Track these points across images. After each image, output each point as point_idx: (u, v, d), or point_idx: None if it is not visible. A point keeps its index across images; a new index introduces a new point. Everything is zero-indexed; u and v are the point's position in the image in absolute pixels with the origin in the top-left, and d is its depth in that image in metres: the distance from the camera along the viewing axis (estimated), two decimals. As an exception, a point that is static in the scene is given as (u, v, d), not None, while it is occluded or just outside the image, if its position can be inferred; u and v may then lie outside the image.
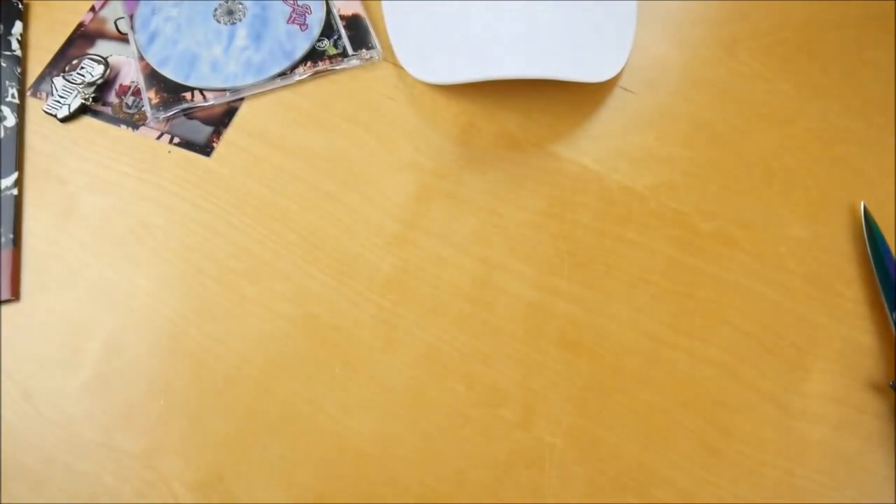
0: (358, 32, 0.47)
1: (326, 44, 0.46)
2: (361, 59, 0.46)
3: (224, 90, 0.45)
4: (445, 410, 0.38)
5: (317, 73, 0.46)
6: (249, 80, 0.45)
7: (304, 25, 0.47)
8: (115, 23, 0.48)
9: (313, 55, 0.46)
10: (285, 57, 0.46)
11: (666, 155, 0.44)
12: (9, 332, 0.40)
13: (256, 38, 0.47)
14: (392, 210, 0.42)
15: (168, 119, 0.45)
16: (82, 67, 0.46)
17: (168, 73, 0.45)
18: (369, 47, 0.47)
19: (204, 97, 0.45)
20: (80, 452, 0.37)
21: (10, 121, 0.44)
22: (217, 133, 0.45)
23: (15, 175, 0.43)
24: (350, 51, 0.46)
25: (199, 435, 0.37)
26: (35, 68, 0.47)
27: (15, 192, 0.43)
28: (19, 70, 0.46)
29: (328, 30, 0.47)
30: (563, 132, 0.45)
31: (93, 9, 0.48)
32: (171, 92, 0.45)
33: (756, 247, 0.41)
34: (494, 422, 0.37)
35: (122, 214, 0.42)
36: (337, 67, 0.46)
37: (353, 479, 0.36)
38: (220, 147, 0.44)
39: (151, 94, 0.45)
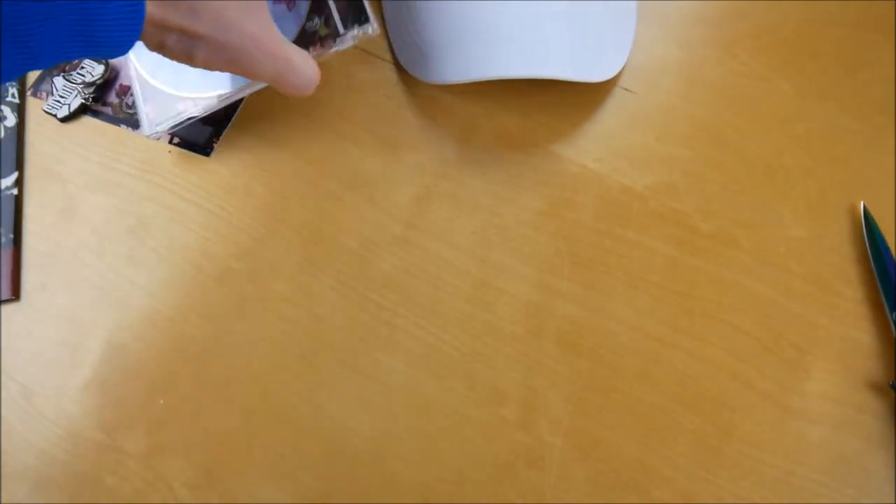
0: (350, 3, 0.42)
1: (317, 23, 0.41)
2: (355, 38, 0.41)
3: (214, 97, 0.42)
4: (445, 410, 0.38)
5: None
6: (240, 83, 0.42)
7: (290, 3, 0.42)
8: (115, 23, 0.48)
9: (303, 39, 0.42)
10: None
11: (666, 155, 0.44)
12: (9, 332, 0.40)
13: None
14: (392, 210, 0.42)
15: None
16: (83, 67, 0.46)
17: (159, 82, 0.43)
18: (362, 22, 0.41)
19: (196, 105, 0.43)
20: (81, 452, 0.37)
21: (11, 120, 0.44)
22: (217, 133, 0.45)
23: (15, 175, 0.43)
24: (341, 29, 0.41)
25: (199, 435, 0.37)
26: (35, 68, 0.47)
27: (15, 191, 0.43)
28: (19, 70, 0.46)
29: (318, 7, 0.42)
30: (563, 132, 0.45)
31: (93, 9, 0.48)
32: (164, 104, 0.42)
33: (756, 247, 0.41)
34: (494, 422, 0.37)
35: (123, 214, 0.42)
36: (330, 51, 0.41)
37: (353, 479, 0.36)
38: (220, 147, 0.44)
39: (149, 108, 0.43)
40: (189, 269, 0.41)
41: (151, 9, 0.29)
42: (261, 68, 0.35)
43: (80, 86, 0.45)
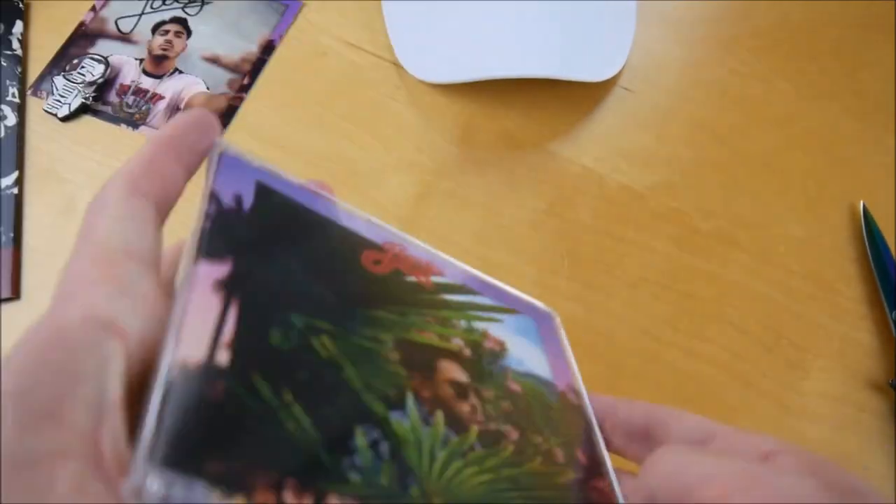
0: None
1: None
2: None
3: None
4: (445, 409, 0.38)
5: None
6: None
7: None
8: (116, 22, 0.48)
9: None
10: None
11: (666, 155, 0.44)
12: (9, 332, 0.40)
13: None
14: (392, 210, 0.42)
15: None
16: (83, 67, 0.46)
17: None
18: None
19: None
20: (80, 451, 0.37)
21: (11, 120, 0.44)
22: (217, 132, 0.45)
23: (15, 174, 0.43)
24: None
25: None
26: (36, 67, 0.47)
27: (15, 190, 0.43)
28: (20, 69, 0.46)
29: None
30: (563, 132, 0.45)
31: (93, 8, 0.48)
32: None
33: (756, 246, 0.41)
34: (494, 421, 0.37)
35: (123, 213, 0.42)
36: None
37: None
38: (221, 146, 0.44)
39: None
40: (189, 268, 0.41)
41: None
42: None
43: (81, 85, 0.45)
